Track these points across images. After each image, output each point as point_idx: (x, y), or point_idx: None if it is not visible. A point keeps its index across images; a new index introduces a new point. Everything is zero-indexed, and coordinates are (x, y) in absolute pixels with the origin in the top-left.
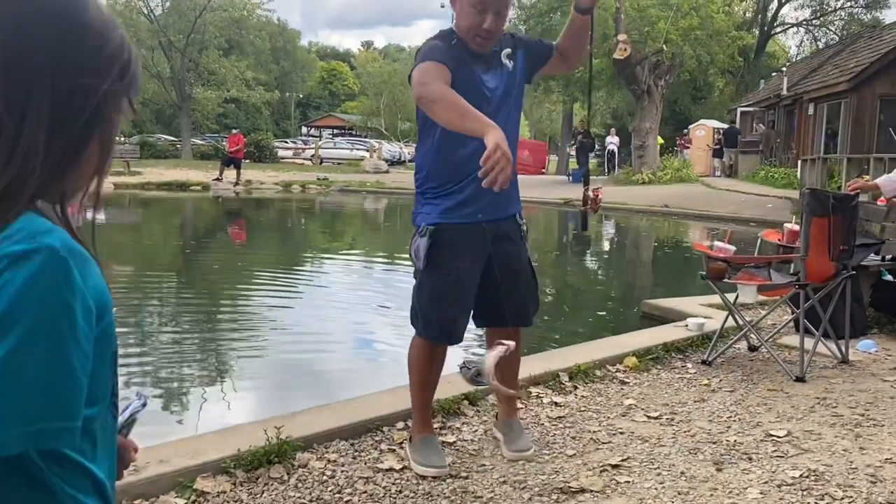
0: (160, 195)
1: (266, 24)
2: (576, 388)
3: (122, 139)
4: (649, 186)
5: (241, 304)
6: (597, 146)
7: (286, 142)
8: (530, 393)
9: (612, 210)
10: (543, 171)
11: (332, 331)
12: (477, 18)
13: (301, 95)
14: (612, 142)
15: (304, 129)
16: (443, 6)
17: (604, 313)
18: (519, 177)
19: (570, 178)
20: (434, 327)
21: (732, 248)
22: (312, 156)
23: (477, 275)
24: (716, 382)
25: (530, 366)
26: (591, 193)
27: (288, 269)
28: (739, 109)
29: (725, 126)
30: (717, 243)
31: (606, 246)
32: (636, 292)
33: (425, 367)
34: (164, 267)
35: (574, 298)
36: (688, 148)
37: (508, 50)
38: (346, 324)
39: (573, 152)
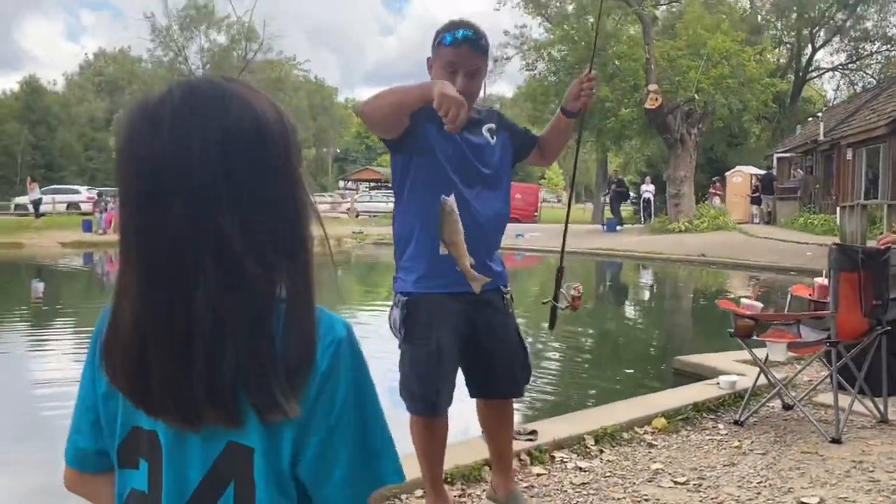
0: None
1: (304, 83)
2: (601, 451)
3: None
4: (686, 235)
5: None
6: (632, 194)
7: (323, 195)
8: (553, 458)
9: (649, 260)
10: (535, 214)
11: None
12: (448, 80)
13: (338, 150)
14: (648, 190)
15: (341, 183)
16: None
17: (634, 370)
18: (546, 225)
19: (605, 227)
20: (419, 400)
21: (759, 304)
22: (349, 209)
23: (458, 344)
24: (747, 444)
25: (555, 429)
26: (573, 291)
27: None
28: (776, 155)
29: (763, 172)
30: (744, 300)
31: (641, 296)
32: (669, 346)
33: (425, 440)
34: None
35: (606, 352)
36: (718, 195)
37: (492, 126)
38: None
39: (607, 200)
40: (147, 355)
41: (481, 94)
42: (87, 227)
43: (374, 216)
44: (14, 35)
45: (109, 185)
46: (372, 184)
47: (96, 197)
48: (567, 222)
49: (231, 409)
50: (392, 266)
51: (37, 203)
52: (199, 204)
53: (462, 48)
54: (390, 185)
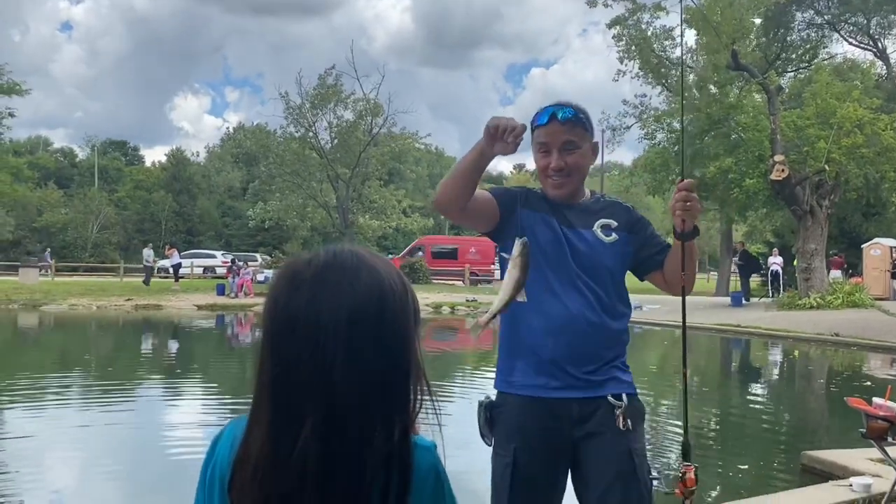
0: None
1: (425, 154)
2: None
3: None
4: (817, 312)
5: None
6: (762, 266)
7: None
8: None
9: (777, 338)
10: (492, 265)
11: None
12: (543, 160)
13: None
14: (776, 262)
15: None
16: None
17: (758, 462)
18: (665, 296)
19: (732, 300)
20: None
21: (895, 405)
22: (464, 277)
23: (547, 465)
24: None
25: None
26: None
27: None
28: None
29: None
30: (877, 400)
31: (768, 379)
32: (798, 437)
33: None
34: None
35: (728, 440)
36: (839, 269)
37: (611, 223)
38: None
39: (735, 269)
40: (271, 483)
41: (598, 160)
42: (221, 290)
43: (490, 283)
44: (167, 112)
45: (243, 251)
46: None
47: (230, 262)
48: (684, 309)
49: None
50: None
51: (176, 267)
52: (322, 362)
53: (552, 125)
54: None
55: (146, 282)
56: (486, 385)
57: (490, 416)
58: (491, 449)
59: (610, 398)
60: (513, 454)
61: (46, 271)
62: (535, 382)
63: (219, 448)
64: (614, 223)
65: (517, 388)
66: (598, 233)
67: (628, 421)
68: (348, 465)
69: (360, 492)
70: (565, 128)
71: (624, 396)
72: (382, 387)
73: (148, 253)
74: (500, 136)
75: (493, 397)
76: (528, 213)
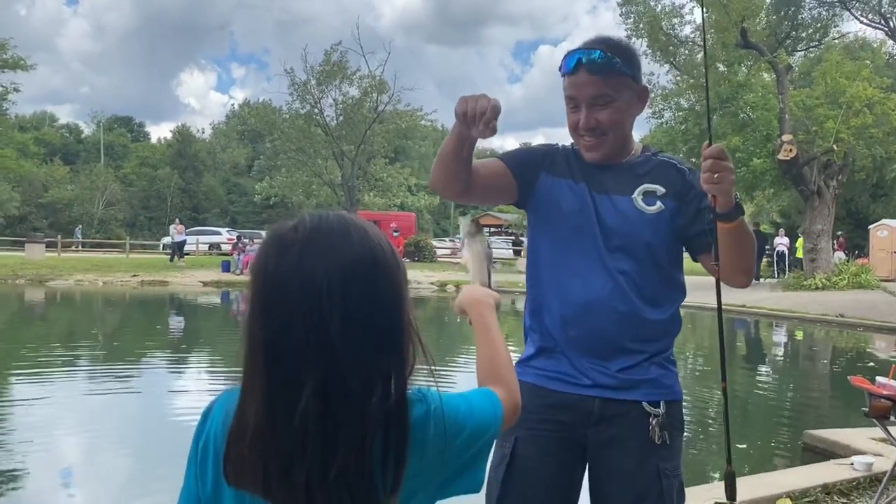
0: None
1: (430, 132)
2: None
3: None
4: (823, 292)
5: None
6: (766, 245)
7: (444, 241)
8: None
9: (782, 318)
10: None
11: None
12: (572, 117)
13: None
14: (782, 242)
15: None
16: None
17: (759, 442)
18: (688, 277)
19: None
20: None
21: None
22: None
23: (550, 462)
24: None
25: None
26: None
27: (442, 364)
28: None
29: None
30: (880, 379)
31: (771, 359)
32: (800, 417)
33: None
34: None
35: (730, 420)
36: (842, 250)
37: (656, 188)
38: None
39: None
40: (270, 450)
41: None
42: (226, 267)
43: (495, 263)
44: (174, 88)
45: (248, 228)
46: (493, 229)
47: (235, 239)
48: (719, 297)
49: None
50: (510, 312)
51: (181, 244)
52: (318, 323)
53: (580, 75)
54: (510, 230)
55: (172, 259)
56: None
57: None
58: None
59: (645, 405)
60: (512, 445)
61: (77, 247)
62: (552, 373)
63: (210, 421)
64: (661, 189)
65: (531, 375)
66: (639, 201)
67: (665, 433)
68: (350, 425)
69: (362, 450)
70: (596, 78)
71: (662, 404)
72: (379, 344)
73: (174, 230)
74: (473, 123)
75: None
76: (551, 180)
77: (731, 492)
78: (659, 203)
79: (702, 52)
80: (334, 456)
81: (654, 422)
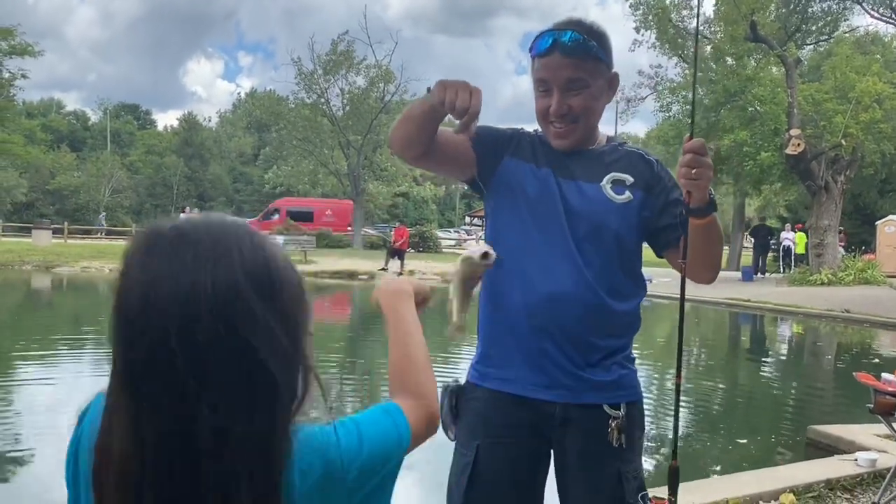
0: (331, 283)
1: None
2: None
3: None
4: (829, 288)
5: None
6: (772, 239)
7: (449, 231)
8: None
9: (787, 314)
10: (348, 227)
11: None
12: (542, 101)
13: (465, 186)
14: (788, 237)
15: (467, 219)
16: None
17: (763, 437)
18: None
19: (743, 275)
20: None
21: None
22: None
23: (516, 469)
24: None
25: None
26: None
27: (444, 353)
28: None
29: None
30: (886, 375)
31: (776, 354)
32: (804, 413)
33: None
34: (337, 352)
35: (734, 414)
36: (842, 245)
37: (625, 178)
38: None
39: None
40: (144, 481)
41: (612, 130)
42: None
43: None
44: (180, 76)
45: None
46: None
47: None
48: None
49: None
50: None
51: None
52: (193, 340)
53: (553, 57)
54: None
55: None
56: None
57: (455, 405)
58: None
59: (606, 407)
60: (474, 452)
61: (100, 234)
62: (511, 376)
63: (84, 426)
64: (630, 179)
65: (490, 380)
66: (608, 189)
67: (623, 436)
68: (217, 457)
69: (230, 490)
70: (571, 60)
71: (623, 406)
72: (263, 372)
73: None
74: (452, 113)
75: (452, 385)
76: (515, 163)
77: (673, 488)
78: (628, 193)
79: (710, 46)
80: (198, 485)
81: (613, 424)
